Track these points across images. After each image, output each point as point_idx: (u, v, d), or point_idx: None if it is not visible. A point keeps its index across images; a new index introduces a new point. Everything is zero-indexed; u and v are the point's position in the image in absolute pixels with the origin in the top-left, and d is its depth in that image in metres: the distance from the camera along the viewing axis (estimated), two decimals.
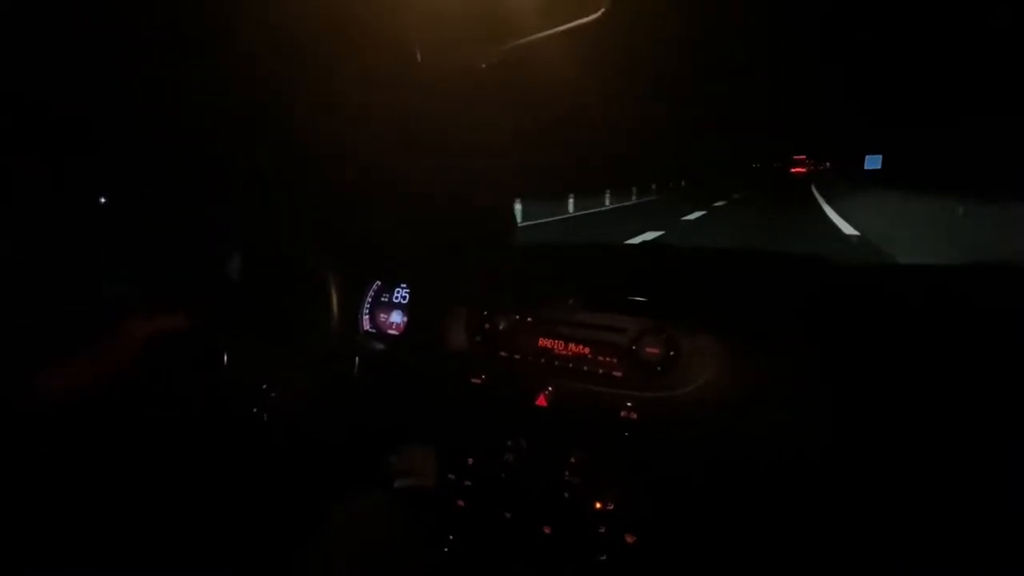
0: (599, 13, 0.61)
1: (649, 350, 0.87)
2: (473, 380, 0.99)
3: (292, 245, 1.08)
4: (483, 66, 0.76)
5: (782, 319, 0.81)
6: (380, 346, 1.21)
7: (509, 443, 0.94)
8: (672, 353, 0.85)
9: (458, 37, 0.76)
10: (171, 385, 0.90)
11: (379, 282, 1.27)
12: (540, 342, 0.98)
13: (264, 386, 0.90)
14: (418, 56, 0.76)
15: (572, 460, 0.88)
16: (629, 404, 0.84)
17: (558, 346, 0.96)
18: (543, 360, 0.96)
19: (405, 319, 1.23)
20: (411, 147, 1.15)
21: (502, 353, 1.00)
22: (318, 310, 0.98)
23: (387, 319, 1.26)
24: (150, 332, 0.88)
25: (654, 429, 0.83)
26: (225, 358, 0.89)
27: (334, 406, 1.01)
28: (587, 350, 0.93)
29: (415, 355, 1.13)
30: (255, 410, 0.89)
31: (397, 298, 1.28)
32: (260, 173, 1.15)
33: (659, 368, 0.85)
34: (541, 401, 0.91)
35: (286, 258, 1.07)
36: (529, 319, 1.00)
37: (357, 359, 1.06)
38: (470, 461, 0.96)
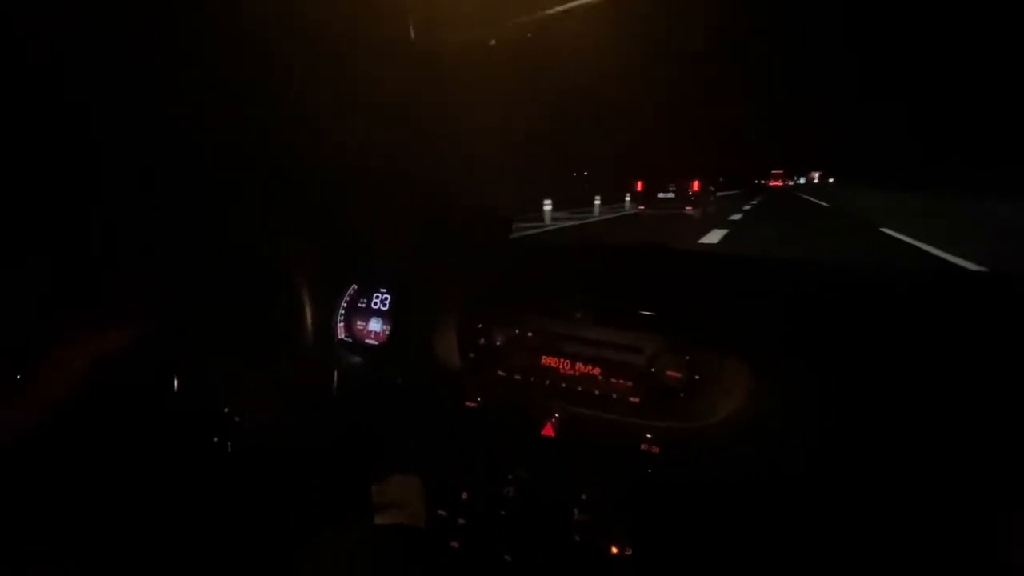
0: None
1: (669, 373, 0.77)
2: (467, 403, 0.88)
3: (256, 241, 0.93)
4: (492, 43, 0.63)
5: (815, 336, 0.72)
6: (356, 358, 1.08)
7: (510, 476, 0.83)
8: (696, 377, 0.76)
9: (460, 12, 0.63)
10: (117, 414, 0.75)
11: (355, 285, 1.13)
12: (543, 360, 0.87)
13: (225, 410, 0.75)
14: (411, 33, 0.63)
15: (583, 497, 0.78)
16: (649, 435, 0.75)
17: (564, 365, 0.86)
18: (547, 382, 0.85)
19: (385, 327, 1.10)
20: (395, 132, 1.01)
21: (500, 372, 0.89)
22: (289, 317, 0.83)
23: (364, 327, 1.13)
24: (87, 353, 0.73)
25: (679, 464, 0.73)
26: (175, 381, 0.75)
27: (307, 430, 0.87)
28: (597, 371, 0.83)
29: (398, 370, 1.01)
30: (216, 439, 0.74)
31: (376, 303, 1.14)
32: (216, 156, 0.99)
33: (681, 394, 0.76)
34: (548, 430, 0.80)
35: (250, 256, 0.91)
36: (530, 334, 0.89)
37: (335, 374, 0.92)
38: (464, 495, 0.85)
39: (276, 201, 1.03)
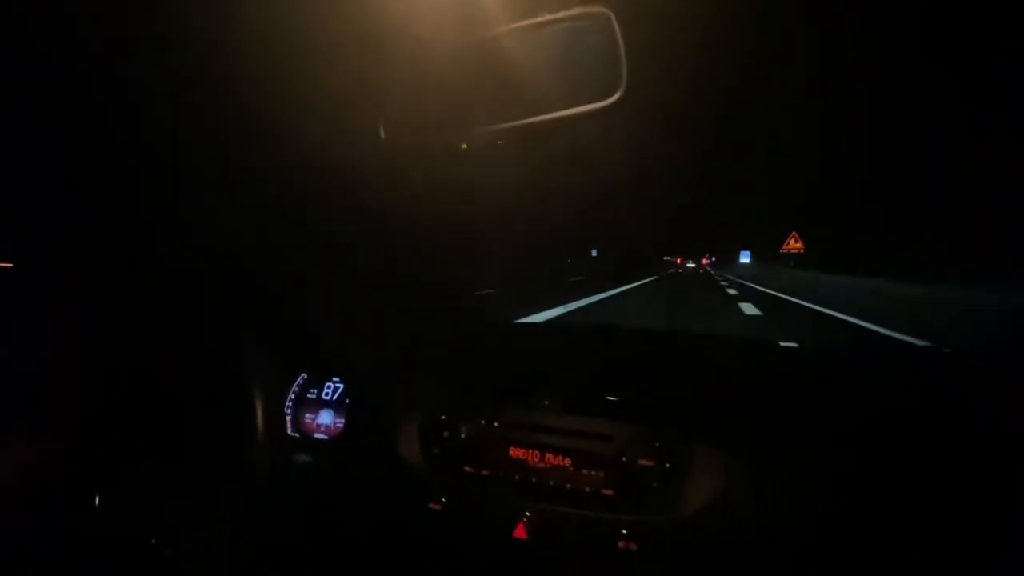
0: (616, 96, 0.54)
1: (641, 462, 0.76)
2: (432, 506, 0.82)
3: (189, 328, 0.85)
4: (464, 147, 0.65)
5: (789, 419, 0.74)
6: (305, 457, 0.99)
7: None
8: (668, 465, 0.75)
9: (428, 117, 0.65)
10: (24, 543, 0.63)
11: (305, 375, 1.07)
12: (512, 453, 0.84)
13: (153, 541, 0.64)
14: (382, 133, 0.64)
15: None
16: (625, 531, 0.72)
17: (533, 458, 0.83)
18: (517, 477, 0.82)
19: (337, 421, 1.03)
20: (347, 207, 1.00)
21: (467, 468, 0.85)
22: (233, 414, 0.74)
23: (314, 420, 1.05)
24: None
25: (660, 561, 0.71)
26: (97, 500, 0.64)
27: (248, 554, 0.77)
28: (568, 462, 0.81)
29: (353, 468, 0.93)
30: None
31: (327, 394, 1.08)
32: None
33: (654, 484, 0.75)
34: (519, 532, 0.76)
35: (185, 346, 0.83)
36: (496, 424, 0.87)
37: (284, 477, 0.82)
38: None
39: (212, 279, 0.97)
